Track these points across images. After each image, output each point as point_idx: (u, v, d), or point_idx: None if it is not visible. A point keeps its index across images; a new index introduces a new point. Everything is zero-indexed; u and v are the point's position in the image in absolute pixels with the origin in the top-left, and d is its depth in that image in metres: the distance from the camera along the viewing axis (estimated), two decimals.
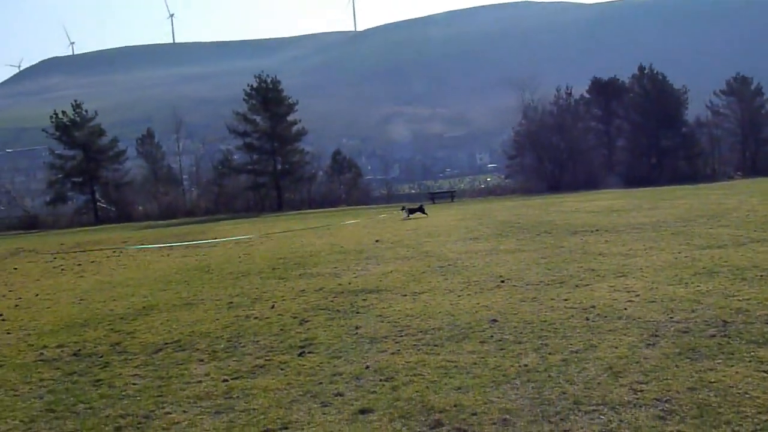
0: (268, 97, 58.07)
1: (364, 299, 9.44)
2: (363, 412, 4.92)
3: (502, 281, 10.09)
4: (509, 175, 70.65)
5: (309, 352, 6.71)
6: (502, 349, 6.35)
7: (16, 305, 11.44)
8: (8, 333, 9.01)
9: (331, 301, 9.46)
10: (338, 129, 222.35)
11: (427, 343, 6.79)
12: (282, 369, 6.21)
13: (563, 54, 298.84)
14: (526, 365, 5.78)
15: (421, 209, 27.83)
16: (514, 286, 9.66)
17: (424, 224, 23.28)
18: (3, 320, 9.99)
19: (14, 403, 5.79)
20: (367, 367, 6.04)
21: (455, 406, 4.91)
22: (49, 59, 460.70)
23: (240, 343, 7.35)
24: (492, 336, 6.86)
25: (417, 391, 5.29)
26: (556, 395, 5.00)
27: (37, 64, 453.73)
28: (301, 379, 5.84)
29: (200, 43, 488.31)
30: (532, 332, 6.90)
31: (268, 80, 58.82)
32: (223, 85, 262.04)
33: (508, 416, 4.66)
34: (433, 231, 20.08)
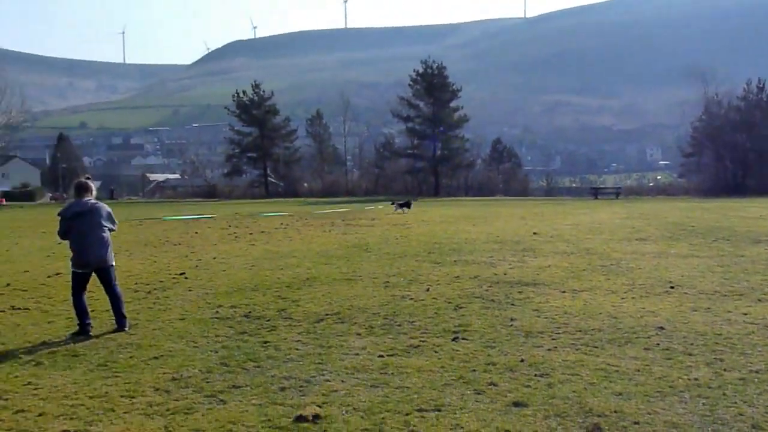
0: (432, 83, 58.54)
1: (520, 291, 9.27)
2: (517, 404, 4.84)
3: (672, 287, 9.42)
4: (683, 174, 65.72)
5: (463, 339, 6.72)
6: (669, 359, 5.94)
7: (197, 266, 12.59)
8: (190, 290, 9.95)
9: (486, 290, 9.40)
10: (500, 117, 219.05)
11: (586, 343, 6.52)
12: (436, 352, 6.28)
13: (754, 43, 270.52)
14: (696, 379, 5.36)
15: (407, 204, 28.65)
16: (685, 293, 8.98)
17: (586, 220, 22.34)
18: (186, 278, 11.05)
19: (194, 353, 6.39)
20: (522, 361, 5.93)
21: (615, 411, 4.67)
22: (233, 42, 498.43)
23: (396, 321, 7.54)
24: (658, 344, 6.44)
25: (574, 391, 5.10)
26: (731, 415, 4.59)
27: (223, 46, 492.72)
28: (454, 364, 5.86)
29: (370, 28, 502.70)
30: (704, 345, 6.38)
31: (434, 66, 59.23)
32: (389, 69, 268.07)
33: (674, 430, 4.36)
34: (595, 228, 19.22)
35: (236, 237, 18.53)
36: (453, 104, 59.95)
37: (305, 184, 65.64)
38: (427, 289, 9.50)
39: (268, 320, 7.76)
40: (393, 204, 29.17)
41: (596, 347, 6.36)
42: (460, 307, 8.25)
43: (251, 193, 62.77)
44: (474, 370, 5.67)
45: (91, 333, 7.18)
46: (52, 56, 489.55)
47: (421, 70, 59.42)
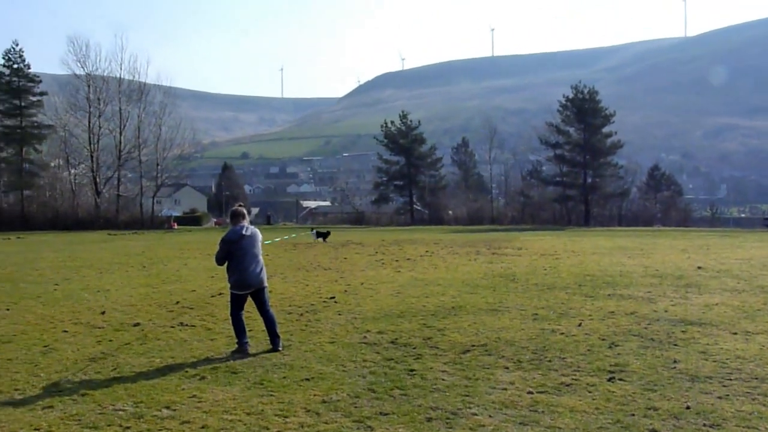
0: (583, 108, 56.54)
1: (683, 331, 8.55)
2: None
3: None
4: None
5: (619, 379, 6.30)
6: None
7: (345, 291, 12.96)
8: (339, 314, 10.24)
9: (645, 328, 8.77)
10: (657, 142, 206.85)
11: (764, 392, 5.85)
12: (590, 392, 5.93)
13: None
14: None
15: (326, 234, 29.42)
16: None
17: (759, 254, 20.30)
18: (335, 302, 11.40)
19: (343, 377, 6.53)
20: (688, 408, 5.43)
21: None
22: (383, 74, 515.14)
23: (545, 357, 7.23)
24: None
25: None
26: None
27: (373, 79, 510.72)
28: (610, 406, 5.50)
29: (517, 55, 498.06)
30: None
31: (585, 91, 57.23)
32: (536, 96, 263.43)
33: None
34: None
35: (382, 263, 18.88)
36: (605, 130, 57.43)
37: (450, 212, 65.77)
38: (579, 324, 9.05)
39: (414, 348, 7.77)
40: (312, 231, 30.21)
41: None
42: (616, 345, 7.75)
43: (397, 220, 63.99)
44: (633, 415, 5.28)
45: (248, 352, 7.59)
46: (220, 93, 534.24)
47: (570, 96, 57.67)
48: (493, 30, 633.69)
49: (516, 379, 6.38)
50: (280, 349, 7.71)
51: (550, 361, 7.06)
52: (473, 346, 7.83)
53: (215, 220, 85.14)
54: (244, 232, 7.78)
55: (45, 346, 8.17)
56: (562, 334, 8.44)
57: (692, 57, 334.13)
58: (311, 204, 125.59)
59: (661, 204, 62.42)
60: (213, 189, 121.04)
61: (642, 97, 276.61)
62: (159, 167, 60.67)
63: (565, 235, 35.10)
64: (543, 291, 12.47)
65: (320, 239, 28.77)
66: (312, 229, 31.39)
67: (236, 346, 7.71)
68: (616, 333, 8.46)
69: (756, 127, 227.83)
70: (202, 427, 5.15)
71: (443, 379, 6.39)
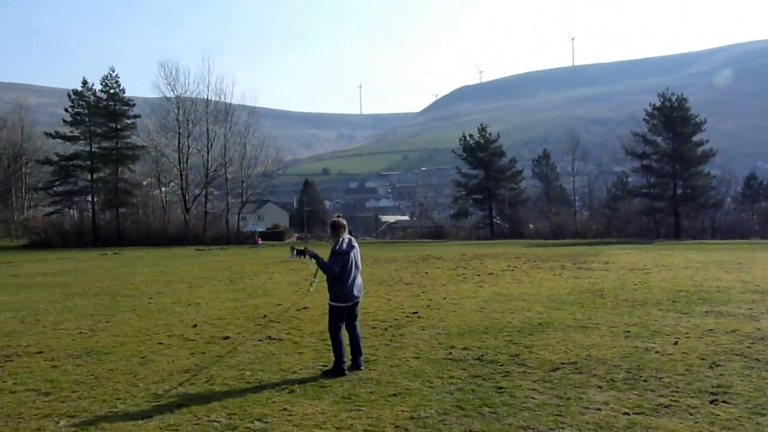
0: (671, 117, 54.21)
1: None
2: None
3: None
4: None
5: (723, 402, 5.95)
6: None
7: (428, 306, 12.90)
8: (423, 329, 10.19)
9: (748, 347, 8.26)
10: (754, 150, 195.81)
11: None
12: (691, 414, 5.62)
13: None
14: None
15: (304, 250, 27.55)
16: None
17: None
18: (419, 317, 11.36)
19: (429, 394, 6.48)
20: None
21: None
22: (460, 88, 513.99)
23: (640, 376, 6.92)
24: None
25: None
26: None
27: (450, 92, 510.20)
28: (715, 430, 5.19)
29: (599, 64, 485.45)
30: None
31: (673, 98, 54.92)
32: (621, 105, 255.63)
33: None
34: None
35: (464, 278, 18.71)
36: (696, 138, 54.81)
37: (531, 226, 64.44)
38: (675, 343, 8.63)
39: (501, 365, 7.62)
40: (292, 249, 28.34)
41: None
42: (717, 365, 7.34)
43: (476, 234, 63.31)
44: None
45: (345, 372, 7.35)
46: (301, 111, 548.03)
47: (658, 104, 55.45)
48: (573, 39, 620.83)
49: (610, 399, 6.13)
50: (362, 368, 7.57)
51: (645, 380, 6.75)
52: (563, 363, 7.59)
53: (297, 235, 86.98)
54: (352, 243, 7.75)
55: (142, 358, 8.55)
56: (657, 352, 8.07)
57: None
58: (390, 218, 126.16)
59: (759, 215, 58.86)
60: (294, 205, 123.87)
61: (736, 103, 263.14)
62: (244, 184, 62.78)
63: (654, 249, 33.66)
64: (634, 307, 11.99)
65: (299, 257, 28.06)
66: (292, 247, 30.54)
67: (333, 365, 7.45)
68: (717, 352, 8.01)
69: None
70: None
71: (533, 398, 6.23)
